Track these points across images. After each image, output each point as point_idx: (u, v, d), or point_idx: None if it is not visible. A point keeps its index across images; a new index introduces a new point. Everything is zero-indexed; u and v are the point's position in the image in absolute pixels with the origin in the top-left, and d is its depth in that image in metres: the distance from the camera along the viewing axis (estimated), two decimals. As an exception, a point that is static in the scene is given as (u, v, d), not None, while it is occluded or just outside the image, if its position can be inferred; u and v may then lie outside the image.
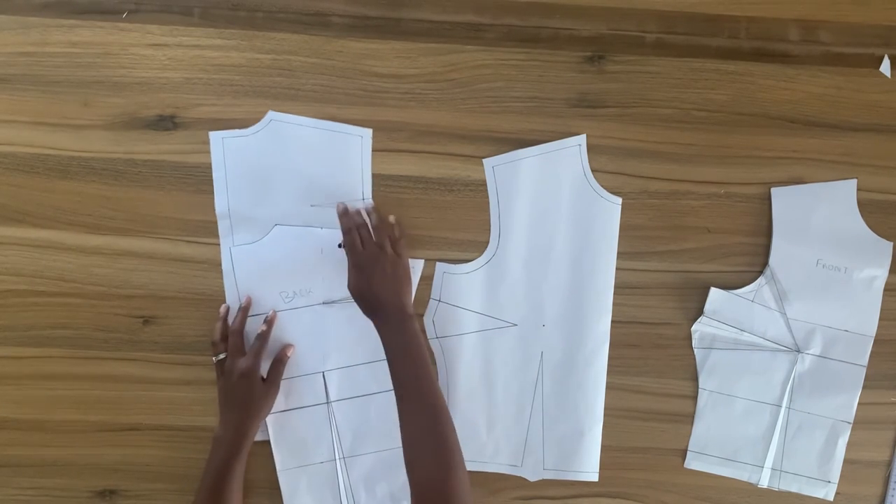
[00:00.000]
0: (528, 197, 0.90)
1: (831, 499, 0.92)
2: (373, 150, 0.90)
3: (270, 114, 0.88)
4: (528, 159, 0.90)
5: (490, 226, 0.91)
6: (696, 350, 0.92)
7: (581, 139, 0.90)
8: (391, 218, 0.88)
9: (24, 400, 0.90)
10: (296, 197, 0.89)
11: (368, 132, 0.89)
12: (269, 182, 0.89)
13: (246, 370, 0.84)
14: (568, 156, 0.90)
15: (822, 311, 0.91)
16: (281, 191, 0.89)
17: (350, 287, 0.84)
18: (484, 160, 0.90)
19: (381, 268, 0.83)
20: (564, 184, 0.90)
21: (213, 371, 0.88)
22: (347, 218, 0.86)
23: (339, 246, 0.87)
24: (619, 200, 0.91)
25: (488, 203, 0.90)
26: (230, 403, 0.85)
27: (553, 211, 0.90)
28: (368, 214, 0.87)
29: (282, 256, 0.89)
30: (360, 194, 0.89)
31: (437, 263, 0.90)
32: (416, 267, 0.90)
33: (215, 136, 0.88)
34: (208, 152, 0.88)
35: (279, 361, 0.88)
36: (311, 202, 0.89)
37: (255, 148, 0.89)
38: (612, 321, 0.91)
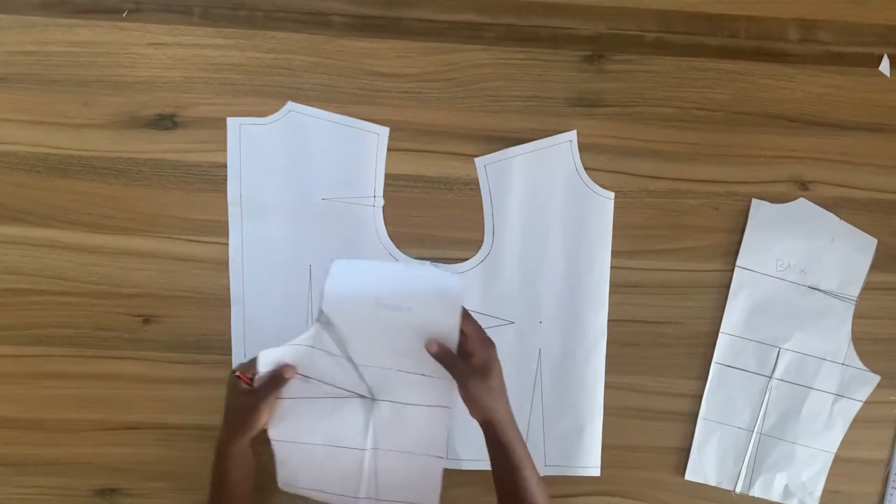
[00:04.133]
0: (521, 194, 0.90)
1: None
2: (373, 150, 0.90)
3: (289, 104, 0.88)
4: (520, 157, 0.90)
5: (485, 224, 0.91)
6: None
7: (572, 135, 0.90)
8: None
9: (25, 399, 0.90)
10: (307, 189, 0.89)
11: (385, 130, 0.89)
12: (283, 172, 0.89)
13: (230, 379, 0.79)
14: (560, 152, 0.90)
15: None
16: (293, 181, 0.89)
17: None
18: (475, 159, 0.90)
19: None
20: (557, 180, 0.90)
21: (212, 369, 0.89)
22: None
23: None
24: (612, 195, 0.91)
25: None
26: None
27: (546, 207, 0.91)
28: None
29: None
30: (373, 191, 0.90)
31: (433, 263, 0.91)
32: None
33: (233, 122, 0.88)
34: (209, 151, 0.89)
35: (273, 378, 0.77)
36: (322, 195, 0.89)
37: (272, 137, 0.89)
38: (611, 320, 0.91)
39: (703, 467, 0.93)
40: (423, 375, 0.79)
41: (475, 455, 0.92)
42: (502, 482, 0.77)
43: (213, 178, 0.89)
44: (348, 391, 0.81)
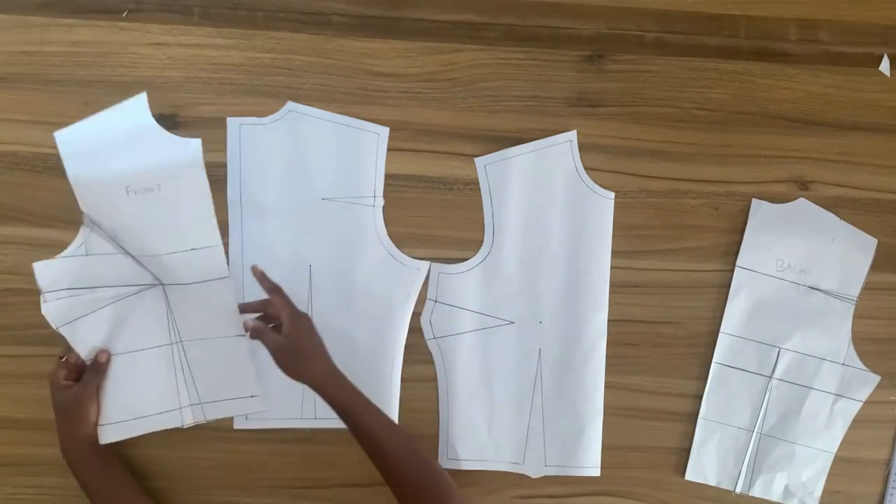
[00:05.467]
0: (521, 194, 0.90)
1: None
2: (373, 149, 0.90)
3: (289, 104, 0.88)
4: (520, 157, 0.90)
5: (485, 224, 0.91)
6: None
7: (572, 135, 0.90)
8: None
9: (24, 399, 0.90)
10: (307, 189, 0.89)
11: (385, 130, 0.89)
12: (282, 172, 0.89)
13: (50, 379, 0.83)
14: (560, 152, 0.90)
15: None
16: (293, 181, 0.89)
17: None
18: (476, 159, 0.90)
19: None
20: (557, 180, 0.90)
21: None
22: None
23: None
24: (612, 195, 0.91)
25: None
26: None
27: (546, 207, 0.91)
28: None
29: None
30: (373, 191, 0.90)
31: (433, 264, 0.90)
32: (422, 268, 0.90)
33: (233, 122, 0.88)
34: (208, 151, 0.88)
35: (92, 368, 0.83)
36: (322, 195, 0.89)
37: (271, 137, 0.89)
38: (612, 320, 0.91)
39: (703, 467, 0.93)
40: (193, 250, 0.84)
41: (475, 455, 0.92)
42: (353, 432, 0.79)
43: (213, 178, 0.89)
44: (137, 284, 0.83)
